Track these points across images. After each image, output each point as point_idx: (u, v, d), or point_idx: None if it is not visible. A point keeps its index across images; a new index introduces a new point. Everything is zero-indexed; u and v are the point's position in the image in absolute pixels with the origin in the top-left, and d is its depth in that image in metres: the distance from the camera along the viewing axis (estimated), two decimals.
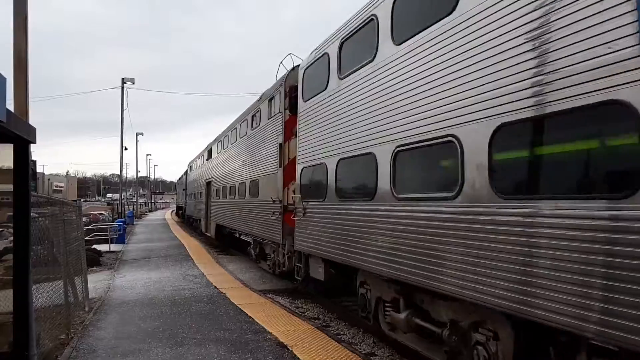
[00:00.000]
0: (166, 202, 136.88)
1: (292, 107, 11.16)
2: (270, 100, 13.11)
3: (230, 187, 18.51)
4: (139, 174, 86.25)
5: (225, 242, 21.91)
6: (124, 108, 41.71)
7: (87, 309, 9.92)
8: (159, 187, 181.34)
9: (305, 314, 10.18)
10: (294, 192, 10.88)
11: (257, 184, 14.08)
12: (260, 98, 14.38)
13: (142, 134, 67.16)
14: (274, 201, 11.87)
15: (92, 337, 7.76)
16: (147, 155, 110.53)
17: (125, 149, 43.83)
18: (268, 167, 13.00)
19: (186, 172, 41.55)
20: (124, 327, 8.40)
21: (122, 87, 42.09)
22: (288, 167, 11.39)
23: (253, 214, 14.36)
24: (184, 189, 43.25)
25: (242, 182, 16.26)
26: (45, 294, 7.06)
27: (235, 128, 18.13)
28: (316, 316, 10.07)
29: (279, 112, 12.09)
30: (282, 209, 11.43)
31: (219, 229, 21.64)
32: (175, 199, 68.94)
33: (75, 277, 9.63)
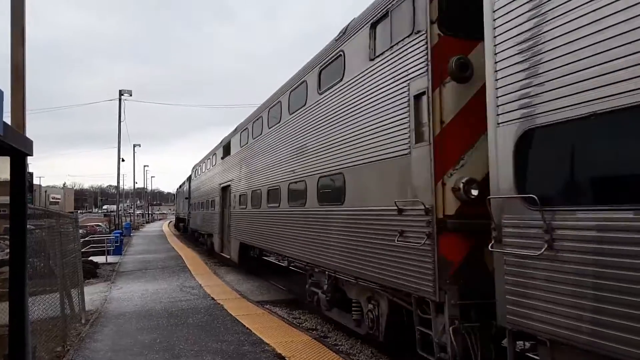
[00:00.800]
0: (163, 214, 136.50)
1: (451, 18, 5.97)
2: (377, 23, 7.35)
3: (269, 191, 12.76)
4: (136, 185, 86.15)
5: (252, 267, 17.23)
6: (122, 120, 41.90)
7: (83, 321, 9.86)
8: (156, 198, 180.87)
9: (303, 324, 10.14)
10: (455, 190, 5.68)
11: (339, 181, 8.33)
12: (345, 32, 8.63)
13: (139, 145, 67.18)
14: (400, 210, 6.32)
15: (89, 350, 7.72)
16: (145, 166, 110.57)
17: (123, 160, 43.99)
18: (374, 147, 7.13)
19: (189, 179, 35.54)
20: (121, 339, 8.35)
21: (120, 99, 42.31)
22: (444, 138, 5.79)
23: (328, 232, 8.61)
24: (186, 198, 37.34)
25: (296, 182, 10.63)
26: (41, 306, 7.03)
27: (278, 102, 12.30)
28: (314, 327, 10.03)
29: (415, 33, 6.22)
30: (436, 226, 5.72)
31: (244, 250, 16.12)
32: (175, 209, 62.38)
33: (72, 289, 9.59)
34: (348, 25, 8.71)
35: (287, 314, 11.07)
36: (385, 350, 8.05)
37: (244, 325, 9.06)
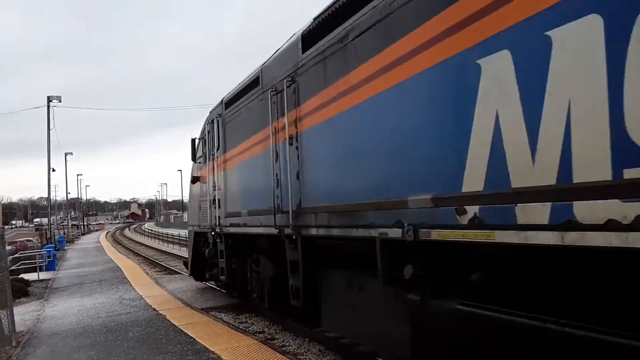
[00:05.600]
0: (101, 224, 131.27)
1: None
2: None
3: None
4: (70, 196, 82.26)
5: None
6: (51, 127, 39.96)
7: (14, 343, 9.27)
8: (92, 208, 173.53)
9: (250, 328, 10.00)
10: None
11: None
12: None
13: (71, 153, 64.56)
14: None
15: None
16: (78, 175, 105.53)
17: (53, 170, 41.95)
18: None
19: None
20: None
21: (48, 106, 40.31)
22: None
23: None
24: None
25: None
26: None
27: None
28: (261, 330, 9.91)
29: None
30: None
31: None
32: (197, 205, 12.64)
33: (0, 310, 9.01)
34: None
35: (233, 319, 10.88)
36: (332, 348, 8.08)
37: (188, 335, 8.81)
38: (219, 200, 10.51)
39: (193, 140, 12.82)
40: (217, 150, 10.61)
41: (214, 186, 10.80)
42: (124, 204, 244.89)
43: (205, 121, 12.01)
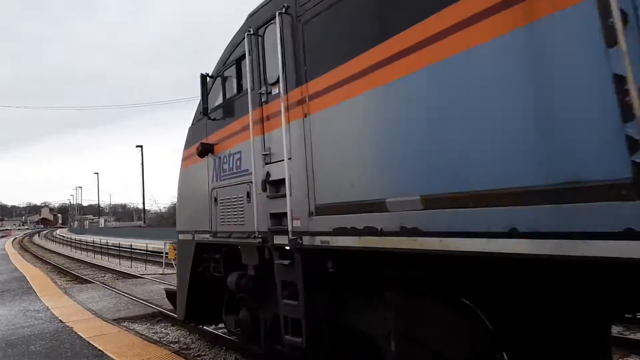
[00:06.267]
0: (7, 230, 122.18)
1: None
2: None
3: None
4: None
5: None
6: None
7: None
8: None
9: (165, 339, 9.71)
10: None
11: None
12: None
13: None
14: None
15: None
16: None
17: None
18: None
19: None
20: None
21: None
22: None
23: None
24: None
25: None
26: None
27: None
28: (176, 339, 9.65)
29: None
30: None
31: None
32: (193, 211, 7.91)
33: None
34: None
35: (148, 329, 10.51)
36: (249, 356, 8.01)
37: (96, 347, 8.37)
38: (289, 179, 5.30)
39: (204, 78, 7.34)
40: (279, 82, 5.43)
41: (266, 156, 5.83)
42: (34, 209, 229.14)
43: (238, 34, 6.72)
